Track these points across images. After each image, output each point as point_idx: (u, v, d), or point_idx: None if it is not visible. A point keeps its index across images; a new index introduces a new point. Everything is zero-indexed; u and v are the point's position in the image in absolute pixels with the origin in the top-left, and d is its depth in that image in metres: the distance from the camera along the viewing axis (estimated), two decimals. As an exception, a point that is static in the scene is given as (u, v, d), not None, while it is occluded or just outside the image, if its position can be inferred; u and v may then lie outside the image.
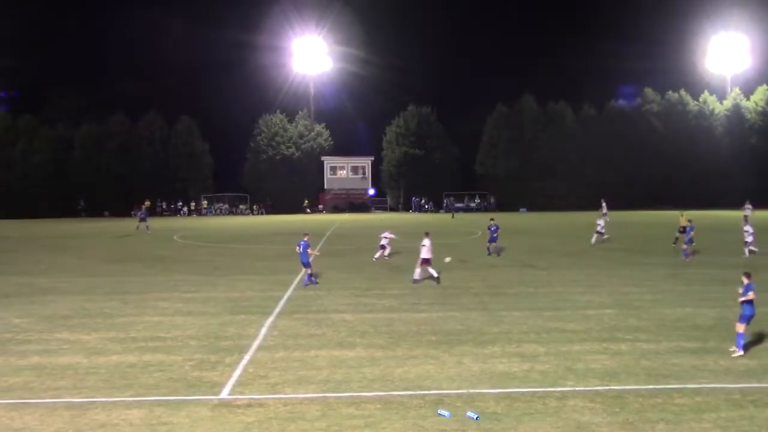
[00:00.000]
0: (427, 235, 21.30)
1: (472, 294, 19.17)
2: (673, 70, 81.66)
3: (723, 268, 24.18)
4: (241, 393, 10.53)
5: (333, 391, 10.53)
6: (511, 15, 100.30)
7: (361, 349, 13.10)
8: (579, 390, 10.49)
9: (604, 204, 54.01)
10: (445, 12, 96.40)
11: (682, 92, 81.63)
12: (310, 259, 20.94)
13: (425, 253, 20.78)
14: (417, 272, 21.10)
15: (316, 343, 13.62)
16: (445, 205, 72.17)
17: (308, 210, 75.85)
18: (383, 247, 27.28)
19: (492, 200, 78.18)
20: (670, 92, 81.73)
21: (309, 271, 20.82)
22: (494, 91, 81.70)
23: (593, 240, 32.15)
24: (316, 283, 20.87)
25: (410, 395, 10.31)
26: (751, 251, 27.24)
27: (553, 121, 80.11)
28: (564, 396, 10.23)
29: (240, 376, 11.40)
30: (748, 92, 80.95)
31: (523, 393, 10.39)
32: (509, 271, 23.97)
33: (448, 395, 10.28)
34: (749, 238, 27.29)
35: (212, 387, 10.82)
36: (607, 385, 10.70)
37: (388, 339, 13.83)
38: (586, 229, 40.28)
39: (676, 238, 31.41)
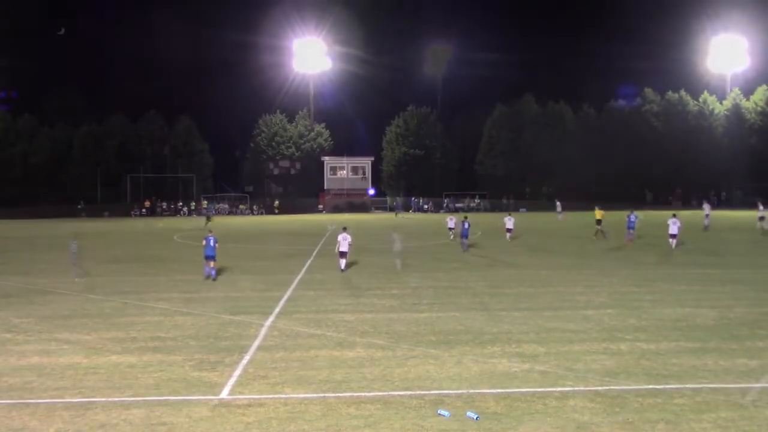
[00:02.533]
0: (345, 230, 24.09)
1: (472, 294, 19.15)
2: (673, 70, 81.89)
3: (723, 267, 24.22)
4: (241, 393, 10.52)
5: (333, 391, 10.52)
6: (511, 15, 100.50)
7: (361, 349, 13.09)
8: (579, 390, 10.48)
9: (558, 204, 55.45)
10: (445, 12, 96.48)
11: (682, 92, 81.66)
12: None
13: (343, 247, 23.62)
14: (339, 263, 23.99)
15: (316, 343, 13.60)
16: (394, 205, 69.51)
17: (277, 210, 76.16)
18: (451, 229, 34.72)
19: (510, 200, 77.34)
20: (670, 92, 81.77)
21: (213, 265, 21.94)
22: (494, 91, 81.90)
23: (508, 237, 34.73)
24: (215, 278, 21.78)
25: (410, 395, 10.29)
26: (675, 245, 29.93)
27: (553, 121, 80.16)
28: (564, 396, 10.22)
29: (240, 376, 11.38)
30: (747, 92, 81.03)
31: (523, 393, 10.37)
32: (509, 271, 23.97)
33: (448, 395, 10.27)
34: (675, 230, 29.90)
35: (212, 387, 10.80)
36: (607, 385, 10.68)
37: (388, 339, 13.81)
38: (586, 229, 40.33)
39: (596, 231, 34.95)
